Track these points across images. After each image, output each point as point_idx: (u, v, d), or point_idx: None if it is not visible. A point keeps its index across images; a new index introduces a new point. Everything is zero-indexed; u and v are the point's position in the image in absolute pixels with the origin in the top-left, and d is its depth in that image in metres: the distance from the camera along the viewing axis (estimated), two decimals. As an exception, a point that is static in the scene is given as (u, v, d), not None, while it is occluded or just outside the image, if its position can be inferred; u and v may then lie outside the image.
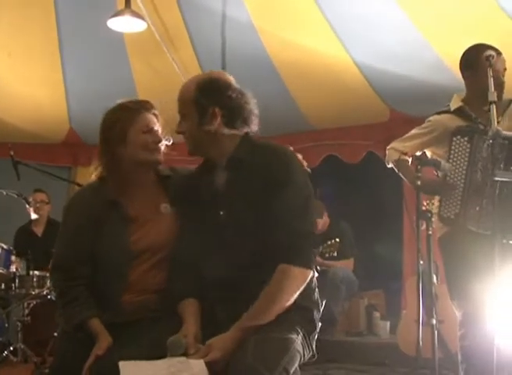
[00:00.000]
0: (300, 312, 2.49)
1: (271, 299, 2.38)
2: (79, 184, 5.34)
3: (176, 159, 2.75)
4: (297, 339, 2.40)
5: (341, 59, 6.50)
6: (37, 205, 6.77)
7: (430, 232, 3.48)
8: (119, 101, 2.78)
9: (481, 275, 3.44)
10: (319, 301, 2.64)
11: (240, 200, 2.50)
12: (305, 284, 2.46)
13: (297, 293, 2.43)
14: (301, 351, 2.43)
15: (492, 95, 3.16)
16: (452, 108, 3.79)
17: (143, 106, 2.74)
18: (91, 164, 2.91)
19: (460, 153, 3.55)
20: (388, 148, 4.00)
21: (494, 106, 3.13)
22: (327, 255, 6.02)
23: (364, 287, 6.93)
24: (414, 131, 3.95)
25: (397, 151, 3.91)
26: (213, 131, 2.53)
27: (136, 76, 7.07)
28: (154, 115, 2.75)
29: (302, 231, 2.44)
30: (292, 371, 2.33)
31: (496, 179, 3.12)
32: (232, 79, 2.61)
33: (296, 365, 2.40)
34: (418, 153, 3.90)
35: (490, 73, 3.28)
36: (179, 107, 2.61)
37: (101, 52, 6.77)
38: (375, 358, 5.89)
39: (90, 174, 2.83)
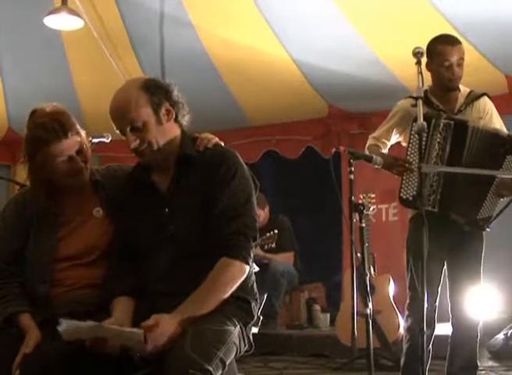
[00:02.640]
0: (238, 304, 2.54)
1: (210, 289, 2.43)
2: (18, 183, 5.28)
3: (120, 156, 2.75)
4: (234, 331, 2.45)
5: (279, 57, 6.60)
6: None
7: (363, 224, 3.62)
8: (38, 113, 2.66)
9: (430, 259, 3.60)
10: (257, 293, 2.69)
11: (187, 197, 2.54)
12: (243, 278, 2.52)
13: (236, 286, 2.48)
14: (238, 344, 2.47)
15: (419, 91, 3.26)
16: (417, 95, 3.90)
17: (60, 131, 2.61)
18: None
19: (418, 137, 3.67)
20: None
21: (420, 101, 3.23)
22: (266, 247, 6.12)
23: (304, 280, 7.03)
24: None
25: (371, 138, 4.08)
26: (169, 129, 2.55)
27: (75, 74, 7.05)
28: (77, 133, 2.66)
29: (242, 227, 2.50)
30: (228, 362, 2.37)
31: (422, 171, 3.24)
32: None
33: (233, 357, 2.45)
34: (387, 142, 4.03)
35: (419, 69, 3.37)
36: (127, 121, 2.49)
37: (38, 50, 6.71)
38: (314, 350, 5.99)
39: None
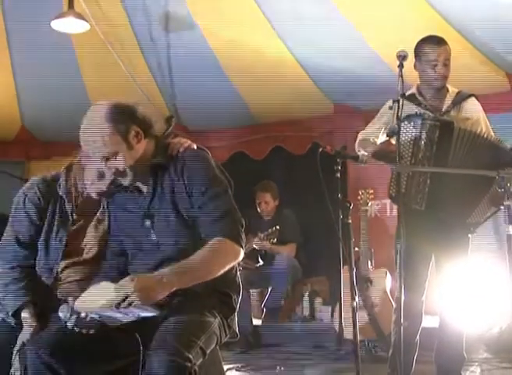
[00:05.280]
0: (219, 297, 2.68)
1: (201, 260, 2.50)
2: (27, 180, 5.44)
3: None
4: (215, 322, 2.60)
5: (283, 56, 6.73)
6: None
7: (350, 221, 3.74)
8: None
9: (416, 253, 3.77)
10: (240, 285, 2.81)
11: (165, 202, 2.68)
12: (237, 260, 2.63)
13: (228, 265, 2.58)
14: (218, 334, 2.62)
15: (397, 94, 3.38)
16: (406, 95, 3.98)
17: None
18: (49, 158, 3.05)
19: (406, 137, 3.76)
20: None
21: (397, 105, 3.33)
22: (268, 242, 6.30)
23: (308, 273, 7.12)
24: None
25: (362, 134, 4.19)
26: (140, 147, 2.65)
27: (85, 74, 7.17)
28: None
29: (230, 219, 2.62)
30: (209, 351, 2.52)
31: (396, 170, 3.36)
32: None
33: (214, 345, 2.61)
34: (377, 139, 4.11)
35: (400, 72, 3.47)
36: (99, 153, 2.59)
37: (49, 52, 6.85)
38: (315, 342, 6.08)
39: (44, 168, 2.99)
